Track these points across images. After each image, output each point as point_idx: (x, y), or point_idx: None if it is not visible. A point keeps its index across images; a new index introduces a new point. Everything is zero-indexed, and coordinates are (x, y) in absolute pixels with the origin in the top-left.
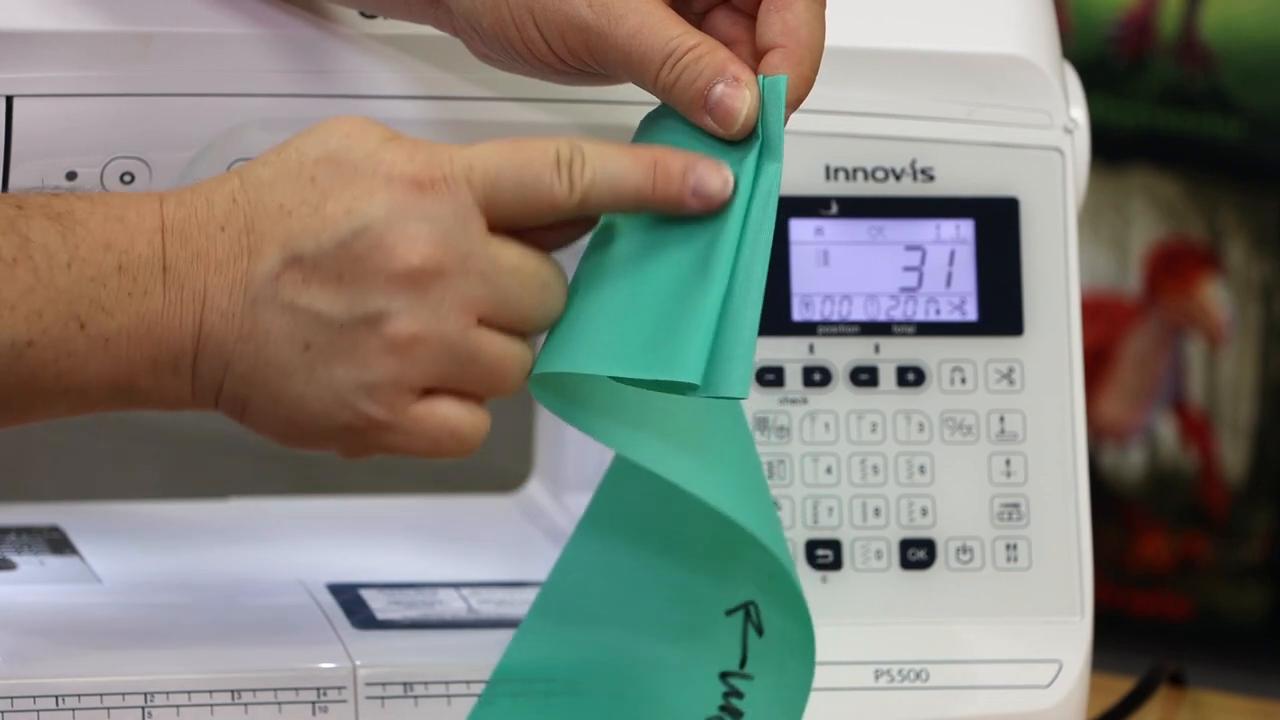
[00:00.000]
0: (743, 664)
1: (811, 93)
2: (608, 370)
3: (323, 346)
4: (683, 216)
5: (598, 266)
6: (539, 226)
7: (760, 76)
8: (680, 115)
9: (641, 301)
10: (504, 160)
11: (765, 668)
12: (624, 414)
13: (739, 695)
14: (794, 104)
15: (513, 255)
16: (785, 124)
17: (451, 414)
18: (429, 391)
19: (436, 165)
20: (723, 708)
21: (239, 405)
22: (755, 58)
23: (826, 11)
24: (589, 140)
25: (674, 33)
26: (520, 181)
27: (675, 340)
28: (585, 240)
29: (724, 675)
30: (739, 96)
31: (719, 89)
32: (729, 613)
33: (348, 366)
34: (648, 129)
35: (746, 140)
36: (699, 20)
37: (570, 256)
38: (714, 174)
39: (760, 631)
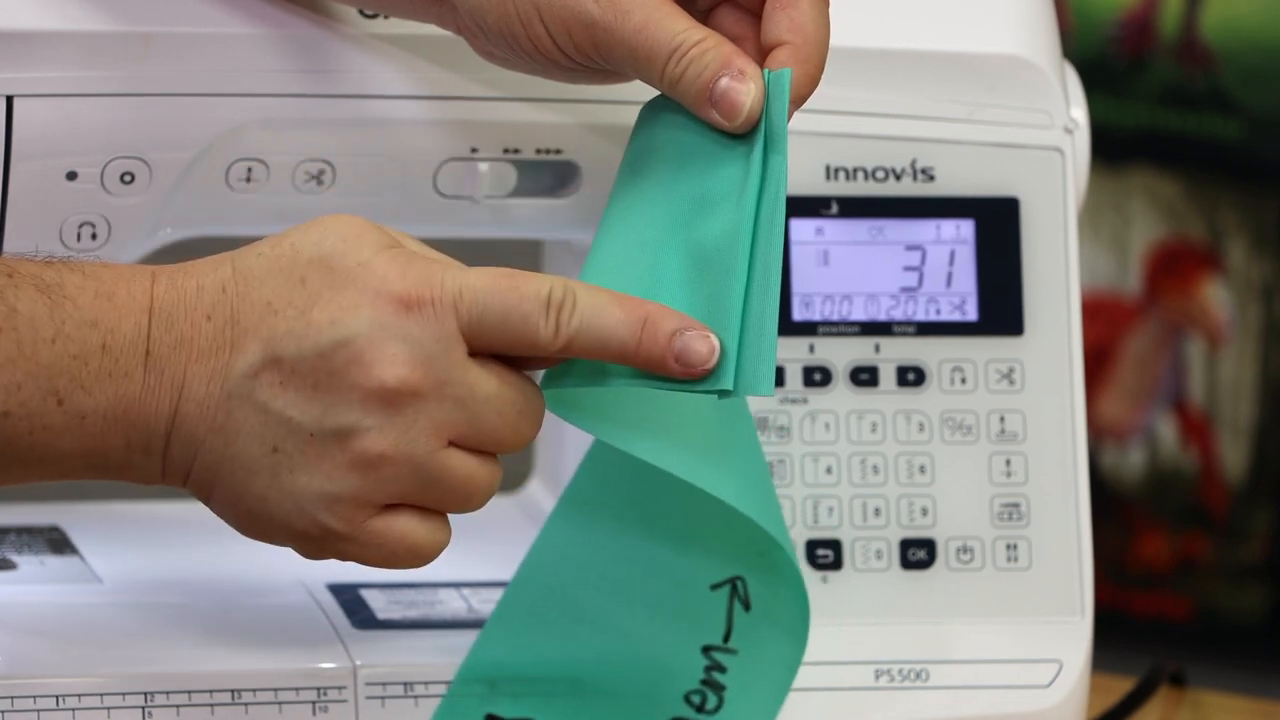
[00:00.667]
0: (726, 638)
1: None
2: (645, 386)
3: (290, 452)
4: (690, 219)
5: (615, 284)
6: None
7: (765, 71)
8: (683, 109)
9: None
10: (494, 292)
11: (750, 642)
12: (638, 417)
13: (721, 669)
14: (799, 100)
15: (490, 383)
16: (790, 119)
17: (410, 530)
18: (391, 506)
19: (426, 286)
20: (704, 681)
21: (205, 491)
22: (760, 55)
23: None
24: (583, 286)
25: (680, 27)
26: (507, 317)
27: None
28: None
29: (706, 649)
30: (744, 90)
31: (724, 82)
32: (714, 587)
33: (311, 476)
34: (648, 122)
35: (750, 135)
36: (704, 17)
37: (579, 254)
38: (701, 342)
39: (747, 606)
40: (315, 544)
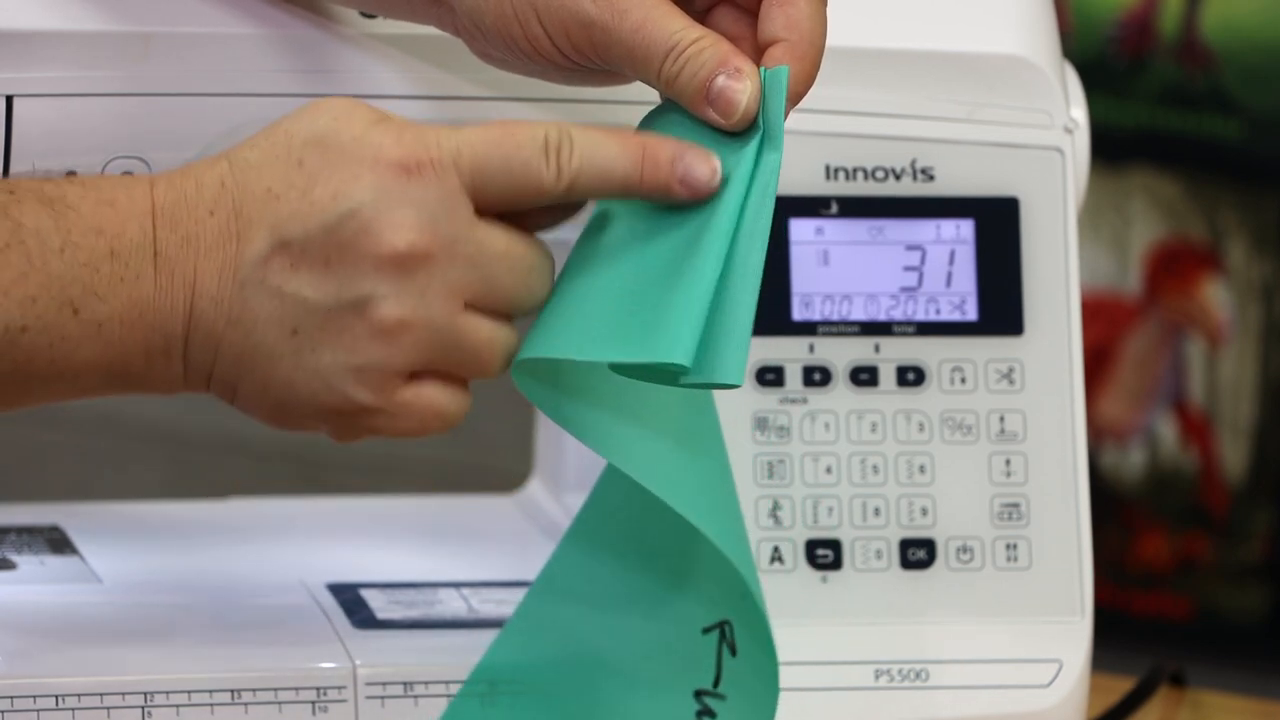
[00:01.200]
0: (716, 683)
1: (812, 92)
2: (594, 356)
3: (310, 331)
4: (678, 206)
5: (591, 253)
6: (526, 210)
7: (762, 68)
8: (682, 110)
9: (633, 288)
10: (492, 144)
11: (737, 689)
12: (603, 409)
13: (711, 714)
14: (796, 98)
15: (499, 240)
16: (786, 116)
17: (437, 397)
18: (414, 374)
19: (424, 149)
20: None
21: (229, 388)
22: (757, 54)
23: (827, 10)
24: (578, 126)
25: (677, 26)
26: (508, 166)
27: (665, 324)
28: (578, 230)
29: (698, 693)
30: (740, 88)
31: (721, 80)
32: (706, 630)
33: (335, 351)
34: (648, 123)
35: (747, 133)
36: (701, 17)
37: (561, 249)
38: (702, 163)
39: (734, 651)
40: (347, 421)
